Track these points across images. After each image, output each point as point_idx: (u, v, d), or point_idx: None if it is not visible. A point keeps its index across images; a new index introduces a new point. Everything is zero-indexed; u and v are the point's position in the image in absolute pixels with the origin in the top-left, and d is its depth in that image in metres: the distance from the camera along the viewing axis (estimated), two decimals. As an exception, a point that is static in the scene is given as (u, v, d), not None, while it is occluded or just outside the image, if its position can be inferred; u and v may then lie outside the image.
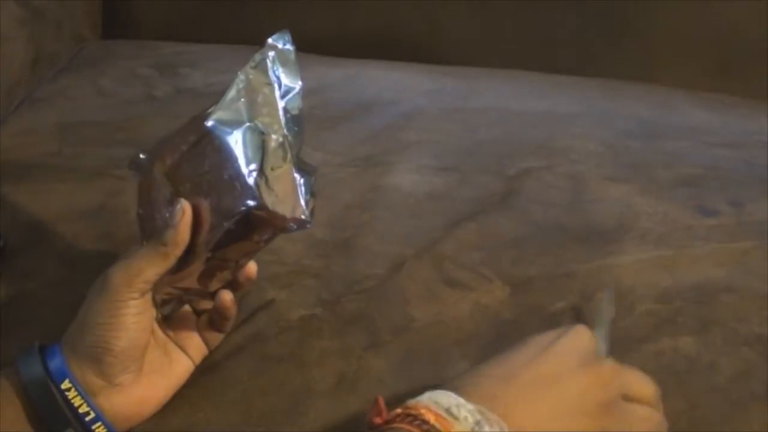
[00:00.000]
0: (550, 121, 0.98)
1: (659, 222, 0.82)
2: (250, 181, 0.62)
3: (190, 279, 0.65)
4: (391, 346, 0.71)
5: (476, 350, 0.70)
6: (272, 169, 0.63)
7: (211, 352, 0.69)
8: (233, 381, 0.69)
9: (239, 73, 0.67)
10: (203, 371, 0.68)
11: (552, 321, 0.72)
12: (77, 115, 1.00)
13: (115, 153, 0.91)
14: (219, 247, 0.64)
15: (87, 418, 0.62)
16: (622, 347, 0.70)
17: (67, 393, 0.62)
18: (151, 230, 0.65)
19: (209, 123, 0.65)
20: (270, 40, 0.68)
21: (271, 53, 0.67)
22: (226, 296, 0.67)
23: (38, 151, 0.93)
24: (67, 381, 0.62)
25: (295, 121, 0.66)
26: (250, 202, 0.62)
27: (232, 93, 0.66)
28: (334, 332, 0.71)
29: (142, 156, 0.69)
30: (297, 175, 0.64)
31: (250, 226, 0.63)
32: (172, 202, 0.64)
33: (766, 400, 0.67)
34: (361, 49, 1.14)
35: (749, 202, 0.84)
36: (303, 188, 0.64)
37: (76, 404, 0.62)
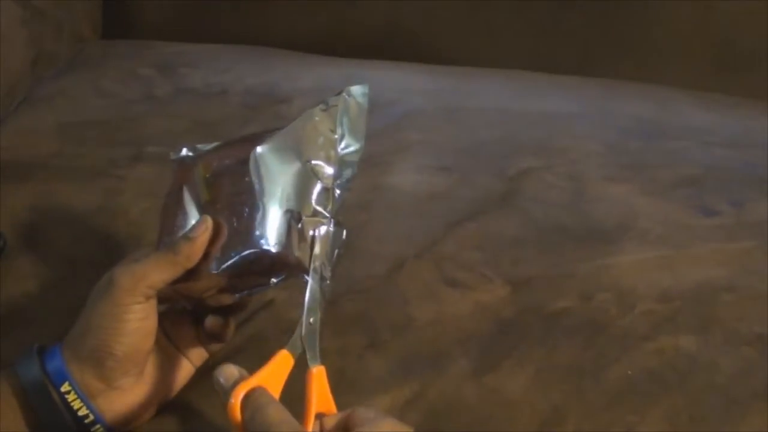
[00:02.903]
0: (550, 121, 0.98)
1: (659, 222, 0.82)
2: (283, 221, 0.62)
3: (193, 291, 0.65)
4: (390, 346, 0.71)
5: (476, 350, 0.70)
6: (310, 214, 0.63)
7: (210, 356, 0.69)
8: (233, 381, 0.69)
9: (308, 110, 0.66)
10: (203, 372, 0.68)
11: (552, 321, 0.72)
12: (77, 115, 1.00)
13: (115, 153, 0.91)
14: (235, 273, 0.63)
15: (86, 421, 0.62)
16: (623, 346, 0.70)
17: (66, 395, 0.62)
18: (170, 226, 0.65)
19: (260, 149, 0.64)
20: (350, 88, 0.67)
21: (344, 102, 0.66)
22: (214, 323, 0.66)
23: (38, 151, 0.93)
24: (66, 383, 0.62)
25: (346, 176, 0.66)
26: (270, 248, 0.61)
27: (293, 126, 0.65)
28: (334, 332, 0.71)
29: (189, 152, 0.68)
30: (332, 228, 0.63)
31: (271, 262, 0.62)
32: (202, 209, 0.64)
33: (767, 399, 0.67)
34: (361, 49, 1.14)
35: (749, 202, 0.84)
36: (333, 244, 0.63)
37: (75, 407, 0.62)
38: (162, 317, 0.66)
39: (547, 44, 1.17)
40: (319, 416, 0.60)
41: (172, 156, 0.69)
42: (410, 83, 1.06)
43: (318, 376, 0.60)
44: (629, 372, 0.68)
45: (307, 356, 0.61)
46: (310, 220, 0.63)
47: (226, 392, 0.57)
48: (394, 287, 0.75)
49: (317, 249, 0.62)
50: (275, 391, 0.58)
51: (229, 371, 0.59)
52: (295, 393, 0.59)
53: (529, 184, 0.86)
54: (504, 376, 0.68)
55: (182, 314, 0.68)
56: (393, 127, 0.95)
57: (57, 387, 0.62)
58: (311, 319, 0.62)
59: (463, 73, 1.11)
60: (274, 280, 0.64)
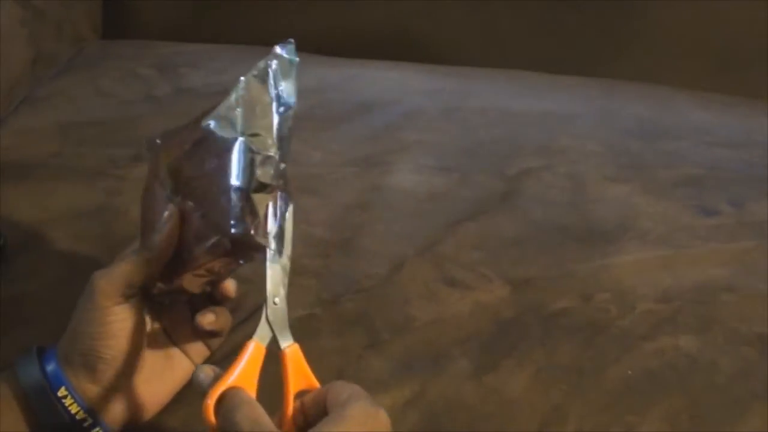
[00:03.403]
0: (550, 121, 0.98)
1: (659, 222, 0.82)
2: (236, 201, 0.60)
3: (174, 282, 0.65)
4: (390, 346, 0.71)
5: (476, 350, 0.70)
6: (257, 191, 0.61)
7: (211, 353, 0.69)
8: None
9: (240, 78, 0.64)
10: (203, 371, 0.68)
11: (552, 321, 0.72)
12: (77, 115, 0.99)
13: (115, 153, 0.91)
14: (207, 258, 0.62)
15: (85, 424, 0.62)
16: (623, 346, 0.70)
17: (63, 400, 0.62)
18: (149, 220, 0.65)
19: (207, 125, 0.63)
20: (276, 49, 0.66)
21: (275, 63, 0.65)
22: (203, 320, 0.65)
23: (38, 151, 0.93)
24: (63, 388, 0.62)
25: (285, 140, 0.64)
26: (233, 230, 0.60)
27: (231, 99, 0.64)
28: (334, 332, 0.71)
29: (158, 140, 0.67)
30: (280, 201, 0.62)
31: (233, 244, 0.61)
32: (169, 198, 0.63)
33: (767, 399, 0.67)
34: (361, 49, 1.14)
35: (749, 202, 0.84)
36: (281, 214, 0.62)
37: (73, 411, 0.62)
38: (160, 316, 0.66)
39: (547, 44, 1.17)
40: (301, 393, 0.59)
41: (146, 145, 0.68)
42: (410, 83, 1.06)
43: (292, 355, 0.60)
44: (629, 372, 0.68)
45: (278, 337, 0.60)
46: (259, 196, 0.61)
47: (204, 393, 0.57)
48: (394, 287, 0.75)
49: (270, 224, 0.61)
50: (251, 384, 0.58)
51: (205, 372, 0.59)
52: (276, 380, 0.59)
53: (529, 184, 0.86)
54: (504, 376, 0.68)
55: (180, 311, 0.68)
56: (393, 127, 0.95)
57: (54, 391, 0.62)
58: (276, 299, 0.61)
59: (463, 73, 1.11)
60: (241, 261, 0.63)
